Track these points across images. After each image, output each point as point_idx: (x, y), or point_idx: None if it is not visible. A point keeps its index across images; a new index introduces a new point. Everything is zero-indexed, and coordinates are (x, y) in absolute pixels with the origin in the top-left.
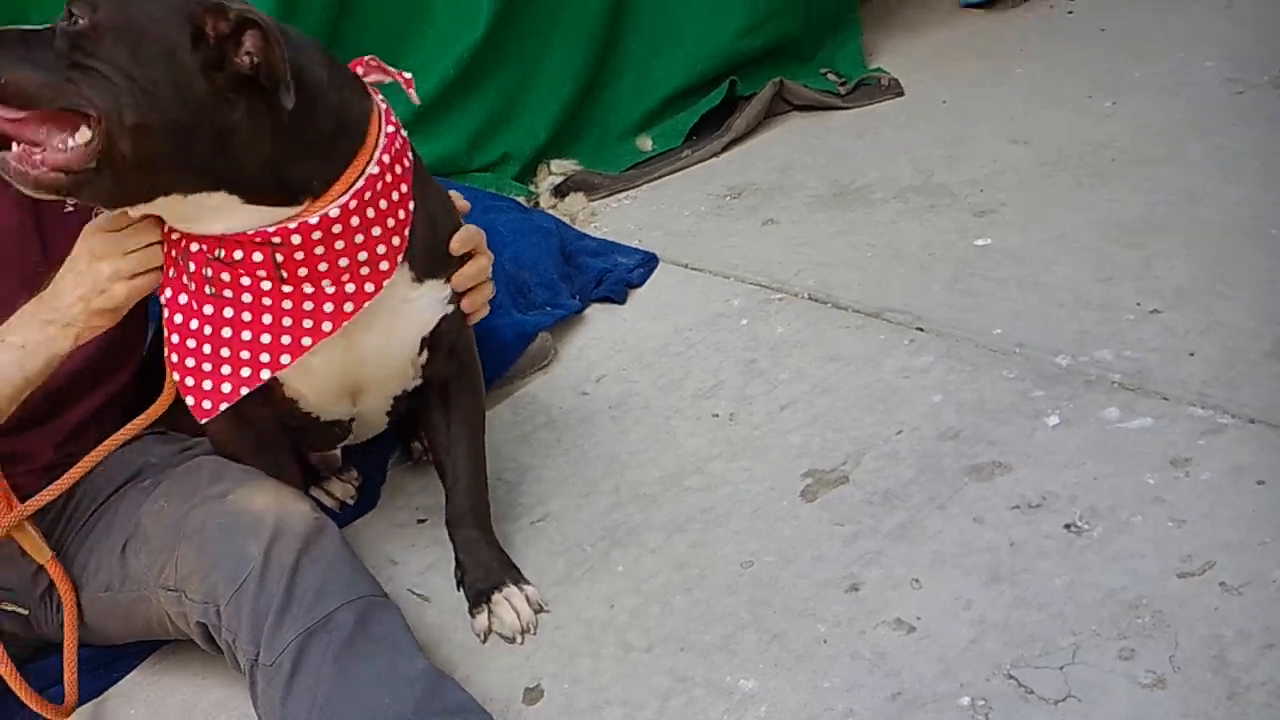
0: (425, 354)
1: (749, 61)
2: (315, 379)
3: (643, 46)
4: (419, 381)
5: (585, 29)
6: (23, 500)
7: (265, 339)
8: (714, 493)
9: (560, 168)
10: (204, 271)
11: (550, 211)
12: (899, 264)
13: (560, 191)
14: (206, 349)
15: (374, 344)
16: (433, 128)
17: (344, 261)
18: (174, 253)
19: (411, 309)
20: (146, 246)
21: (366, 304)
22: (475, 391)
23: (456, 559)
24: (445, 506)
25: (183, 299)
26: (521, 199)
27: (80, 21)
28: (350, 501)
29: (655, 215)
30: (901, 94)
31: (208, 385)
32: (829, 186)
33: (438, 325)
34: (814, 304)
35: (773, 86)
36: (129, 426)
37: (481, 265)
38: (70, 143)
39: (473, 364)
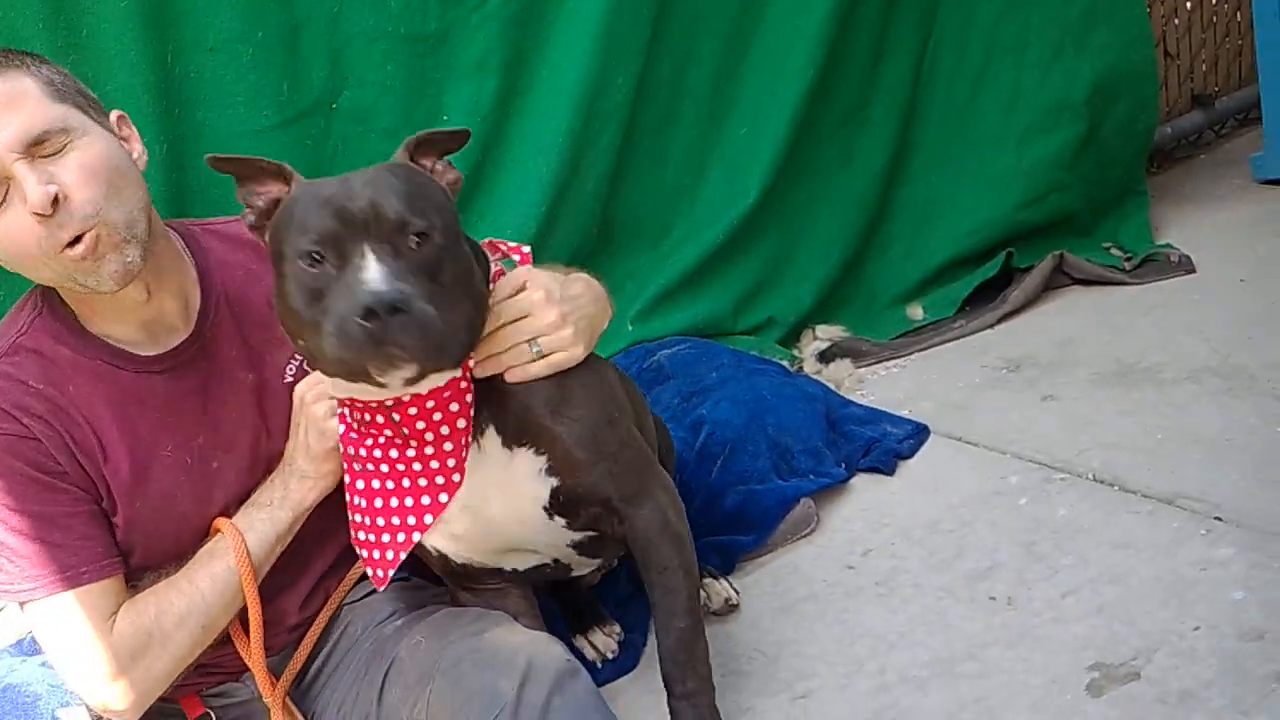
0: (561, 519)
1: (1027, 233)
2: (466, 544)
3: (915, 216)
4: (589, 534)
5: (857, 198)
6: (273, 659)
7: (409, 501)
8: (989, 681)
9: (826, 333)
10: (348, 450)
11: (815, 377)
12: (1194, 448)
13: (825, 357)
14: (366, 520)
15: (496, 509)
16: (699, 291)
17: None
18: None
19: (512, 477)
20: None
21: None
22: (660, 557)
23: None
24: None
25: (346, 479)
26: (785, 363)
27: None
28: (610, 656)
29: (926, 385)
30: (1193, 271)
31: (375, 555)
32: (1113, 364)
33: (554, 495)
34: (1099, 486)
35: (1053, 259)
36: (347, 579)
37: (505, 334)
38: None
39: (653, 529)
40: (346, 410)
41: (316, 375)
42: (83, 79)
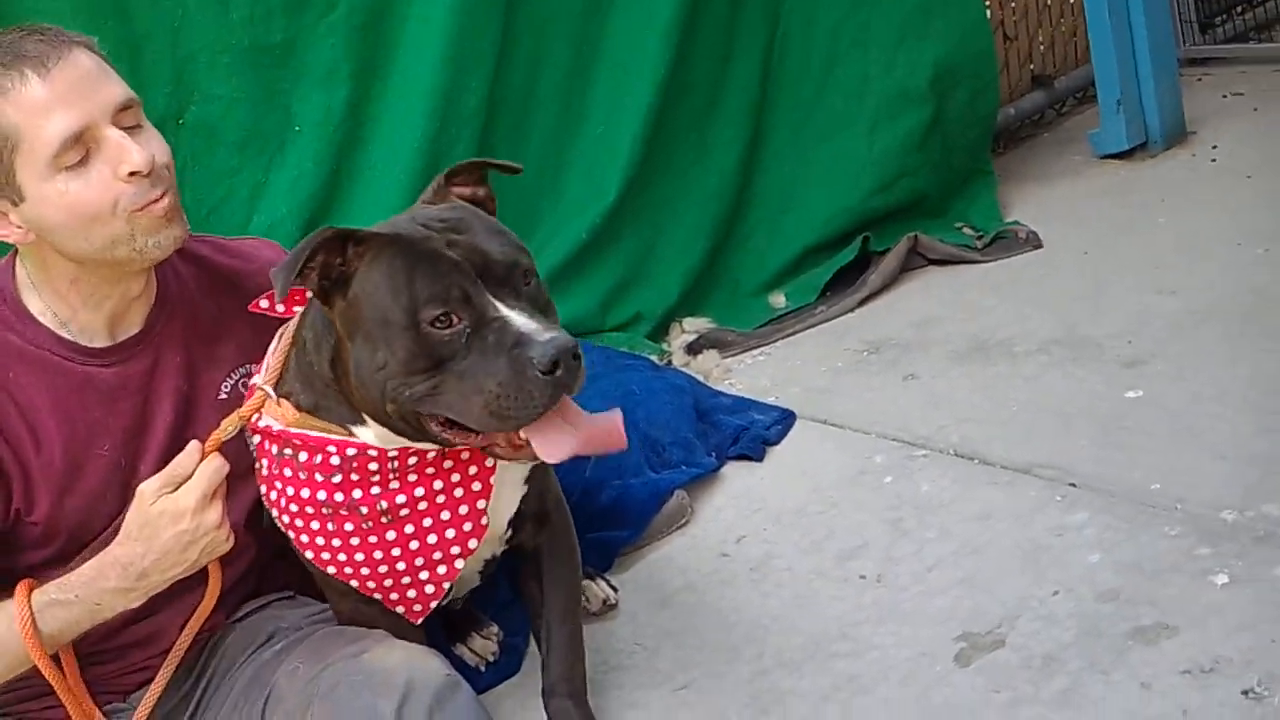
0: (510, 531)
1: (882, 218)
2: None
3: (773, 206)
4: (505, 546)
5: (715, 191)
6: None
7: (450, 534)
8: (862, 659)
9: (693, 325)
10: (379, 505)
11: (683, 369)
12: (1046, 418)
13: (693, 349)
14: (401, 565)
15: None
16: (566, 289)
17: None
18: (327, 522)
19: (502, 491)
20: (217, 471)
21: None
22: (568, 556)
23: None
24: (541, 674)
25: (353, 543)
26: (654, 357)
27: None
28: (491, 659)
29: (791, 371)
30: (1040, 246)
31: (412, 594)
32: (969, 340)
33: (519, 506)
34: (959, 460)
35: (907, 241)
36: (193, 620)
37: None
38: None
39: (564, 530)
40: (381, 464)
41: (165, 481)
42: None
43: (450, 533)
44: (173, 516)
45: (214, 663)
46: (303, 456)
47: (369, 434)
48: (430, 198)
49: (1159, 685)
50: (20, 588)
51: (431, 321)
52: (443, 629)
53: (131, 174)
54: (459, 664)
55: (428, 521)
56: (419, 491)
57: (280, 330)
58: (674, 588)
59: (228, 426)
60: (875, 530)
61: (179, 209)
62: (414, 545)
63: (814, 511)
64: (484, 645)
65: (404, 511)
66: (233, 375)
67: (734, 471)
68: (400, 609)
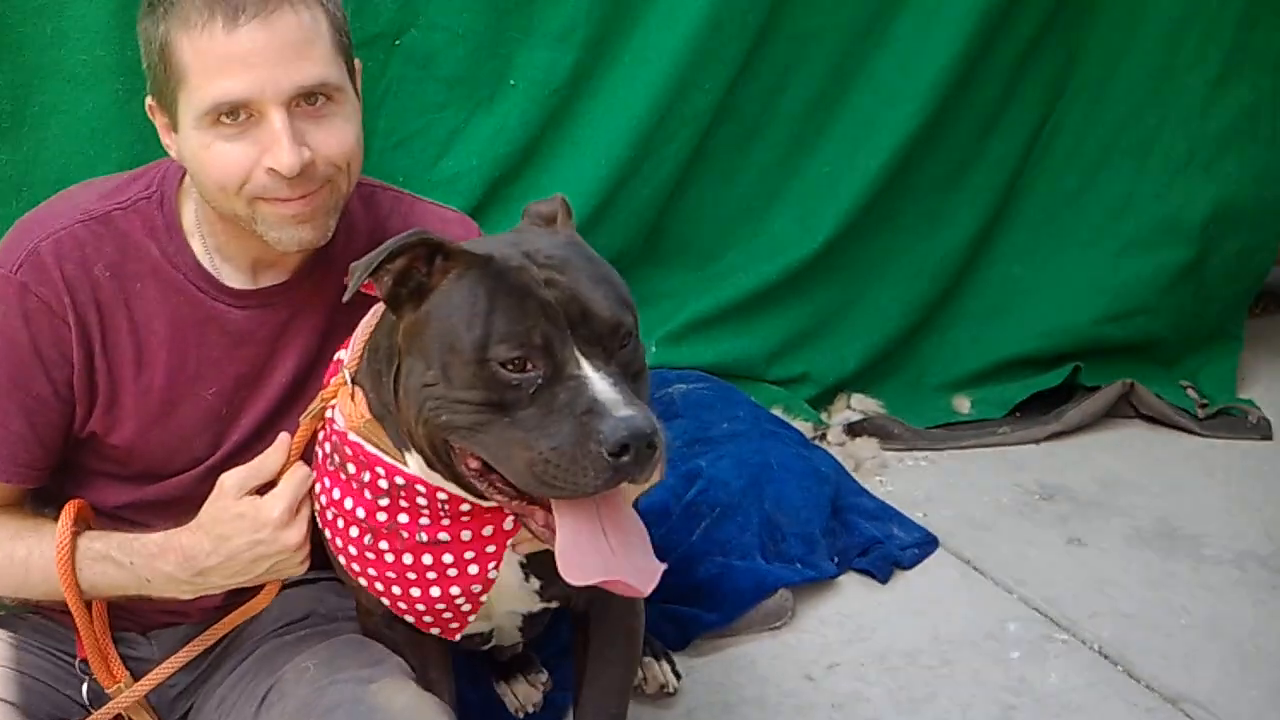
0: (534, 580)
1: (1102, 350)
2: None
3: (988, 302)
4: (550, 605)
5: (930, 269)
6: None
7: (473, 570)
8: None
9: (860, 404)
10: (419, 536)
11: (836, 450)
12: (1217, 645)
13: (853, 430)
14: (435, 591)
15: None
16: (737, 327)
17: None
18: (365, 535)
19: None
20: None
21: None
22: (623, 636)
23: None
24: None
25: (388, 560)
26: (809, 426)
27: None
28: (532, 709)
29: (949, 490)
30: (1270, 438)
31: (447, 617)
32: (1156, 522)
33: (539, 552)
34: (1102, 660)
35: (1121, 386)
36: (237, 612)
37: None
38: None
39: (624, 603)
40: (431, 502)
41: (245, 481)
42: None
43: (473, 569)
44: (252, 524)
45: (243, 627)
46: (350, 469)
47: (415, 463)
48: (538, 220)
49: None
50: (66, 511)
51: (504, 362)
52: (490, 664)
53: (270, 170)
54: (497, 705)
55: (469, 554)
56: (465, 535)
57: (375, 306)
58: (744, 697)
59: (311, 411)
60: (982, 711)
61: (320, 213)
62: (452, 574)
63: (923, 663)
64: (528, 693)
65: (443, 540)
66: None
67: (851, 585)
68: (435, 630)
